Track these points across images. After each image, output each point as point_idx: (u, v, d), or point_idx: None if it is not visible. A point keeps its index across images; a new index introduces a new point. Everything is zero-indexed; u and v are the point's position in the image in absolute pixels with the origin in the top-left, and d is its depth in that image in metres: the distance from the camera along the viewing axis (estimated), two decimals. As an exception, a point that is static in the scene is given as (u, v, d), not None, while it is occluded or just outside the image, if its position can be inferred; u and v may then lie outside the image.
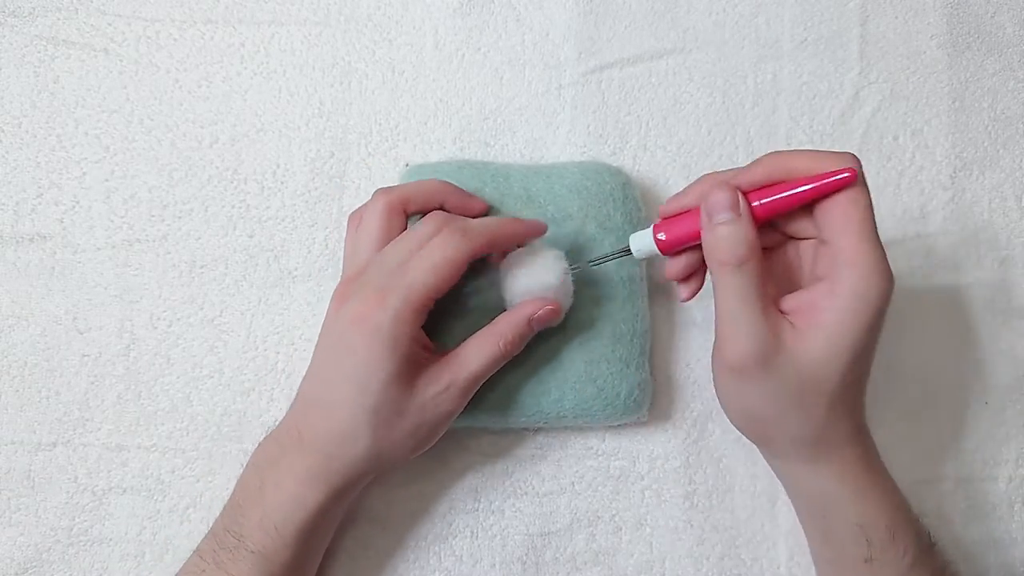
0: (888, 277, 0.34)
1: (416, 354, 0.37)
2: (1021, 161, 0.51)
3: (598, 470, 0.46)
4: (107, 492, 0.45)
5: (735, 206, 0.34)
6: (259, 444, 0.40)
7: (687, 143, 0.50)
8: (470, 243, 0.37)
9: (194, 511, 0.45)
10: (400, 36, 0.50)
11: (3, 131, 0.48)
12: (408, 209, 0.40)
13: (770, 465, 0.41)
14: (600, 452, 0.46)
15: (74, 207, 0.47)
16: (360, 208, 0.41)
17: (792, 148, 0.49)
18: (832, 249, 0.34)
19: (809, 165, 0.34)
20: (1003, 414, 0.48)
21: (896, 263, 0.49)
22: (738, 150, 0.50)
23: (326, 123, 0.49)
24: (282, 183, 0.48)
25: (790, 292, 0.36)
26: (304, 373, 0.39)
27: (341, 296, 0.38)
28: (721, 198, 0.35)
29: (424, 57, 0.50)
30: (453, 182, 0.44)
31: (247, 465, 0.39)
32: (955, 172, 0.50)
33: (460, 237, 0.37)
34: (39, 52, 0.49)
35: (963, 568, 0.46)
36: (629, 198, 0.45)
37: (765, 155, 0.36)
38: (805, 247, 0.38)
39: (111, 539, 0.45)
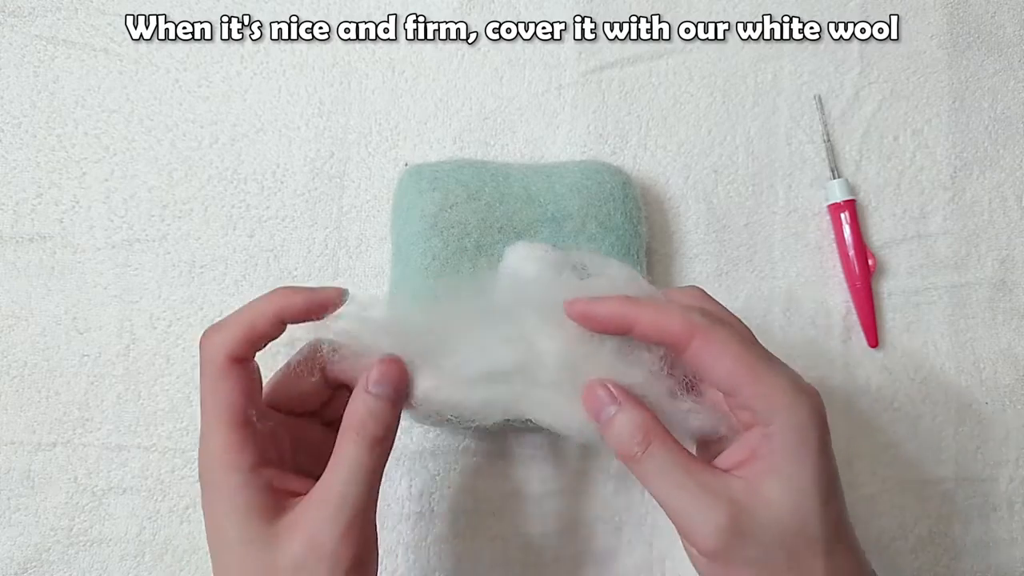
0: (807, 392, 0.31)
1: (266, 500, 0.31)
2: (1021, 161, 0.51)
3: (598, 470, 0.46)
4: (107, 492, 0.45)
5: (613, 399, 0.31)
6: None
7: (687, 143, 0.50)
8: (219, 341, 0.32)
9: (194, 511, 0.45)
10: (400, 36, 0.50)
11: (3, 131, 0.48)
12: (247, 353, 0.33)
13: None
14: (599, 452, 0.46)
15: (74, 207, 0.47)
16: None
17: (776, 159, 0.49)
18: (739, 398, 0.31)
19: (652, 321, 0.31)
20: (1003, 414, 0.48)
21: (896, 263, 0.49)
22: (738, 150, 0.50)
23: (326, 123, 0.49)
24: (282, 183, 0.48)
25: (721, 446, 0.32)
26: None
27: None
28: (599, 397, 0.32)
29: (424, 57, 0.50)
30: (453, 182, 0.44)
31: None
32: (955, 172, 0.50)
33: (205, 342, 0.32)
34: (39, 52, 0.49)
35: (963, 568, 0.47)
36: (629, 198, 0.45)
37: (613, 298, 0.32)
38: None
39: (111, 539, 0.45)
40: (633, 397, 0.32)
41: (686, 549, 0.32)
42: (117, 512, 0.45)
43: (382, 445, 0.32)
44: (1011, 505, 0.47)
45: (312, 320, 0.33)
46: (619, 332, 0.32)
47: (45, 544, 0.45)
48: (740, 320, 0.34)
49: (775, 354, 0.32)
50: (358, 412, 0.32)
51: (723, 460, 0.31)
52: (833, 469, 0.31)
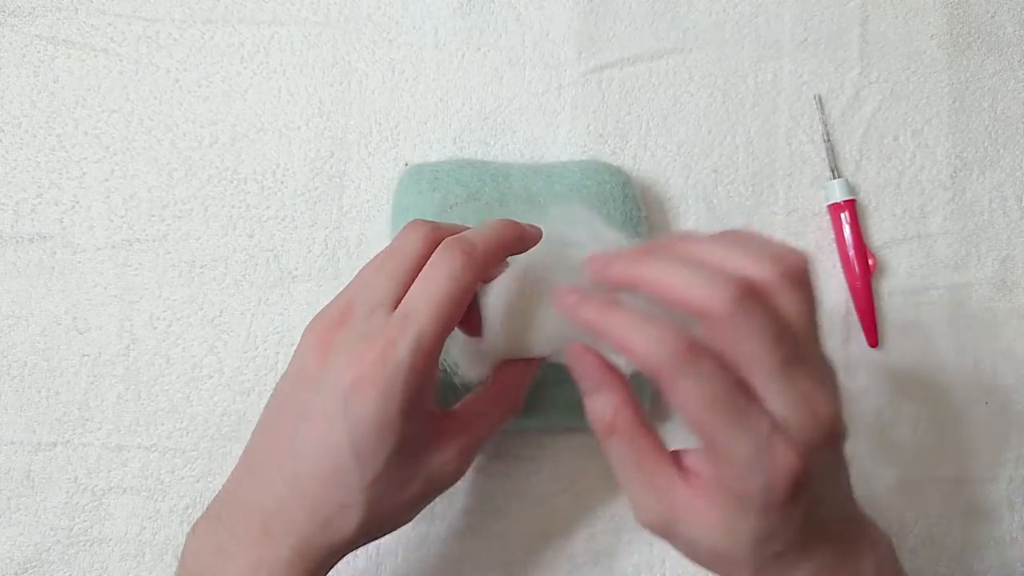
0: (777, 461, 0.27)
1: (425, 418, 0.32)
2: (1021, 161, 0.51)
3: (598, 470, 0.46)
4: (107, 492, 0.45)
5: (592, 375, 0.32)
6: (193, 530, 0.34)
7: (687, 143, 0.50)
8: (475, 264, 0.31)
9: (194, 511, 0.45)
10: (400, 36, 0.50)
11: (3, 131, 0.48)
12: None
13: None
14: (600, 452, 0.46)
15: (74, 207, 0.47)
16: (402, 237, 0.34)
17: (776, 159, 0.49)
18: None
19: (619, 346, 0.29)
20: (1003, 414, 0.48)
21: (896, 263, 0.49)
22: (738, 150, 0.50)
23: (326, 123, 0.49)
24: (282, 183, 0.48)
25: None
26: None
27: (323, 346, 0.32)
28: (582, 364, 0.32)
29: (424, 57, 0.50)
30: (453, 182, 0.44)
31: (181, 561, 0.34)
32: (955, 172, 0.50)
33: (463, 258, 0.31)
34: (39, 52, 0.49)
35: (963, 568, 0.47)
36: (629, 198, 0.45)
37: (635, 261, 0.30)
38: None
39: (111, 539, 0.45)
40: (613, 376, 0.32)
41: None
42: (117, 512, 0.45)
43: (519, 408, 0.36)
44: (1011, 505, 0.47)
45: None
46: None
47: (45, 544, 0.45)
48: (807, 286, 0.29)
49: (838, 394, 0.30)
50: (512, 377, 0.36)
51: (687, 457, 0.31)
52: (785, 522, 0.28)
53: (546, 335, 0.35)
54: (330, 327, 0.32)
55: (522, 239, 0.35)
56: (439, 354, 0.31)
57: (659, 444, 0.31)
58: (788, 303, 0.28)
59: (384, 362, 0.30)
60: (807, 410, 0.27)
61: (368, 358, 0.30)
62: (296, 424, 0.32)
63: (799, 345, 0.28)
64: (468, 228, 0.35)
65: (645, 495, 0.30)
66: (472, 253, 0.32)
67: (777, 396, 0.27)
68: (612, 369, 0.32)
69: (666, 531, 0.30)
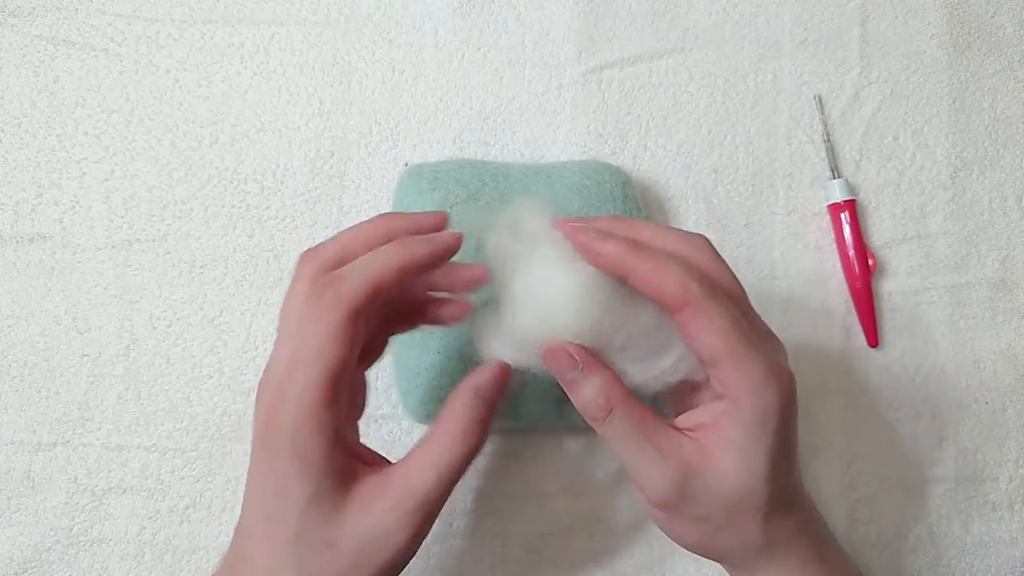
0: (779, 377, 0.31)
1: (342, 465, 0.30)
2: (1021, 161, 0.51)
3: (598, 470, 0.46)
4: (107, 492, 0.45)
5: (574, 363, 0.32)
6: None
7: (687, 143, 0.50)
8: (345, 293, 0.30)
9: (194, 511, 0.45)
10: (400, 36, 0.50)
11: (3, 131, 0.48)
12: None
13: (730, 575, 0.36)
14: (599, 452, 0.46)
15: (74, 207, 0.47)
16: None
17: (776, 159, 0.49)
18: (715, 372, 0.31)
19: (648, 278, 0.30)
20: (1003, 414, 0.48)
21: (896, 263, 0.49)
22: (738, 150, 0.50)
23: (326, 123, 0.49)
24: (282, 183, 0.48)
25: (688, 403, 0.33)
26: None
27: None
28: (561, 359, 0.32)
29: (424, 57, 0.50)
30: (453, 182, 0.43)
31: None
32: (955, 172, 0.50)
33: (326, 289, 0.30)
34: (39, 52, 0.49)
35: (963, 568, 0.47)
36: (629, 198, 0.45)
37: (619, 240, 0.31)
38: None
39: (111, 539, 0.45)
40: (595, 360, 0.32)
41: (638, 498, 0.33)
42: (117, 512, 0.45)
43: (476, 448, 0.32)
44: (1011, 505, 0.47)
45: (434, 270, 0.33)
46: (615, 275, 0.32)
47: (45, 544, 0.45)
48: (736, 281, 0.33)
49: (785, 359, 0.32)
50: (459, 412, 0.32)
51: (686, 419, 0.32)
52: (787, 450, 0.32)
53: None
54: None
55: (428, 257, 0.32)
56: (336, 394, 0.30)
57: (654, 412, 0.32)
58: (727, 281, 0.32)
59: (278, 405, 0.30)
60: (774, 376, 0.31)
61: (267, 402, 0.30)
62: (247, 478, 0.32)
63: (747, 314, 0.32)
64: (432, 216, 0.34)
65: (654, 463, 0.31)
66: (339, 291, 0.30)
67: (748, 370, 0.31)
68: (591, 353, 0.32)
69: (681, 494, 0.31)
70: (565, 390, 0.33)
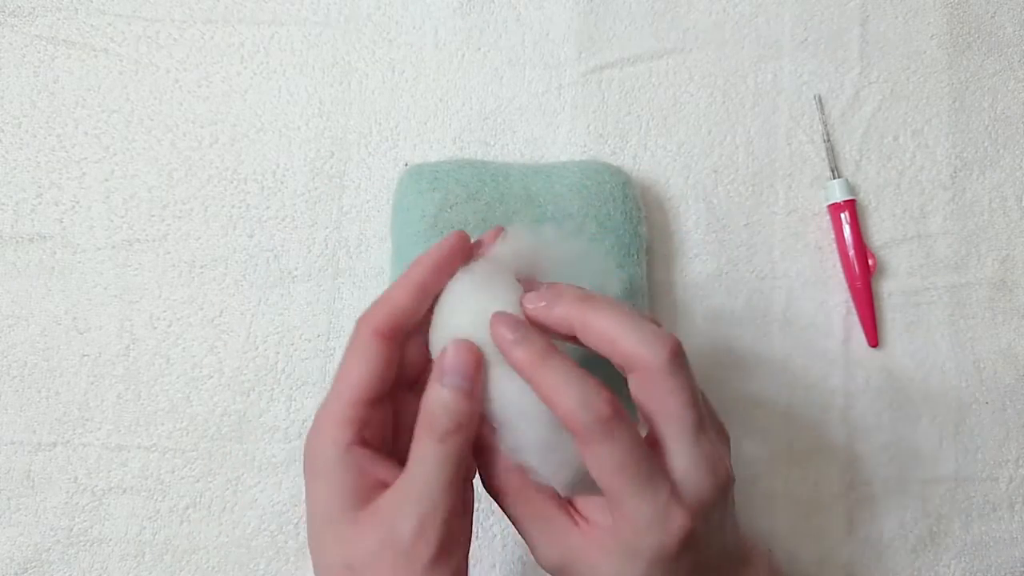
0: (671, 520, 0.29)
1: (359, 483, 0.31)
2: (1021, 161, 0.51)
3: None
4: (107, 492, 0.45)
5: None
6: None
7: (687, 143, 0.50)
8: (369, 314, 0.32)
9: (194, 511, 0.45)
10: (400, 36, 0.50)
11: (3, 131, 0.48)
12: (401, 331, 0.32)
13: None
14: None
15: (74, 207, 0.47)
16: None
17: (776, 159, 0.49)
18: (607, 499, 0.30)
19: (545, 396, 0.29)
20: (1003, 414, 0.48)
21: (896, 263, 0.49)
22: (738, 150, 0.50)
23: (326, 123, 0.49)
24: (282, 183, 0.48)
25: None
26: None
27: None
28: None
29: (424, 57, 0.50)
30: (453, 182, 0.43)
31: None
32: (955, 172, 0.50)
33: (358, 325, 0.32)
34: (39, 52, 0.49)
35: (963, 568, 0.47)
36: (629, 198, 0.45)
37: (583, 307, 0.31)
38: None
39: (111, 539, 0.45)
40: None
41: None
42: (117, 512, 0.45)
43: (455, 437, 0.30)
44: (1011, 505, 0.47)
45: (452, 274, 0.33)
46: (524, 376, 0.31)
47: (45, 544, 0.45)
48: (691, 397, 0.31)
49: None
50: (428, 406, 0.31)
51: (584, 503, 0.31)
52: (677, 569, 0.30)
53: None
54: None
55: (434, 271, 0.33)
56: (360, 417, 0.31)
57: (553, 492, 0.32)
58: (675, 399, 0.30)
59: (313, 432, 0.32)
60: (709, 469, 0.30)
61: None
62: None
63: (706, 407, 0.32)
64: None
65: (542, 539, 0.31)
66: (363, 321, 0.32)
67: (685, 456, 0.30)
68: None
69: (562, 573, 0.31)
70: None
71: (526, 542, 0.32)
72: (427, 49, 0.50)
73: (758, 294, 0.48)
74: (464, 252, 0.33)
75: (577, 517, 0.31)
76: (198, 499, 0.45)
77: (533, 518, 0.31)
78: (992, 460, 0.48)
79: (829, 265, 0.49)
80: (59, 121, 0.48)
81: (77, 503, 0.45)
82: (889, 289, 0.49)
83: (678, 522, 0.29)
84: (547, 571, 0.32)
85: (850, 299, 0.48)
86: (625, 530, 0.29)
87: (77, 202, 0.48)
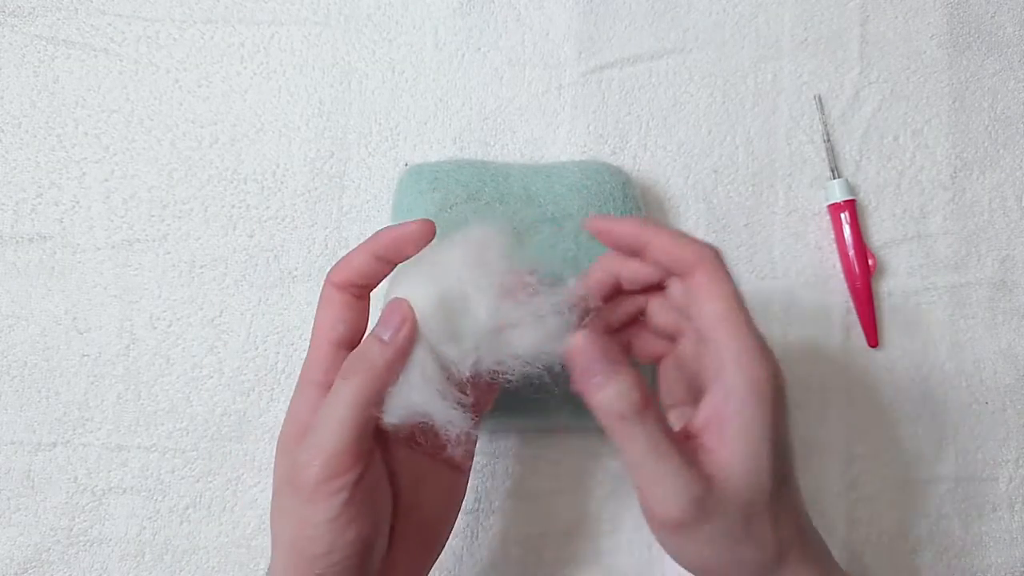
0: (773, 359, 0.32)
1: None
2: (1021, 161, 0.51)
3: (598, 470, 0.46)
4: (107, 492, 0.45)
5: (607, 363, 0.31)
6: None
7: (687, 143, 0.50)
8: (329, 273, 0.35)
9: (194, 511, 0.45)
10: (400, 36, 0.50)
11: (3, 131, 0.48)
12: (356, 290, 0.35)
13: None
14: (599, 452, 0.46)
15: (74, 207, 0.47)
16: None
17: (776, 159, 0.50)
18: (713, 344, 0.32)
19: (666, 245, 0.33)
20: (1003, 414, 0.48)
21: (896, 263, 0.49)
22: (738, 150, 0.50)
23: (326, 123, 0.49)
24: (282, 183, 0.48)
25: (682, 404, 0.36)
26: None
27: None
28: (593, 353, 0.31)
29: (424, 57, 0.50)
30: (453, 182, 0.44)
31: None
32: (955, 172, 0.50)
33: (321, 292, 0.35)
34: (39, 52, 0.49)
35: (963, 568, 0.47)
36: (629, 198, 0.45)
37: (632, 219, 0.35)
38: (683, 354, 0.36)
39: (111, 539, 0.45)
40: (624, 356, 0.32)
41: (646, 518, 0.32)
42: (117, 512, 0.45)
43: (357, 377, 0.32)
44: (1011, 505, 0.47)
45: (408, 255, 0.34)
46: (632, 252, 0.34)
47: (45, 544, 0.45)
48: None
49: (775, 355, 0.32)
50: (353, 352, 0.33)
51: (690, 426, 0.32)
52: (783, 439, 0.32)
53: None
54: None
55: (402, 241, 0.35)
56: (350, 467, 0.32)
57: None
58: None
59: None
60: (763, 354, 0.32)
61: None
62: None
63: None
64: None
65: (680, 473, 0.30)
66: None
67: (739, 341, 0.31)
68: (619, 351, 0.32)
69: (697, 511, 0.30)
70: (582, 388, 0.31)
71: (653, 495, 0.30)
72: (427, 49, 0.50)
73: (758, 294, 0.48)
74: (424, 237, 0.34)
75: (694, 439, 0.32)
76: (198, 499, 0.45)
77: (671, 447, 0.30)
78: (992, 460, 0.48)
79: (829, 265, 0.49)
80: (59, 121, 0.48)
81: (77, 503, 0.45)
82: (889, 289, 0.49)
83: (775, 365, 0.32)
84: (678, 527, 0.30)
85: (850, 299, 0.48)
86: (737, 366, 0.31)
87: (77, 202, 0.48)
